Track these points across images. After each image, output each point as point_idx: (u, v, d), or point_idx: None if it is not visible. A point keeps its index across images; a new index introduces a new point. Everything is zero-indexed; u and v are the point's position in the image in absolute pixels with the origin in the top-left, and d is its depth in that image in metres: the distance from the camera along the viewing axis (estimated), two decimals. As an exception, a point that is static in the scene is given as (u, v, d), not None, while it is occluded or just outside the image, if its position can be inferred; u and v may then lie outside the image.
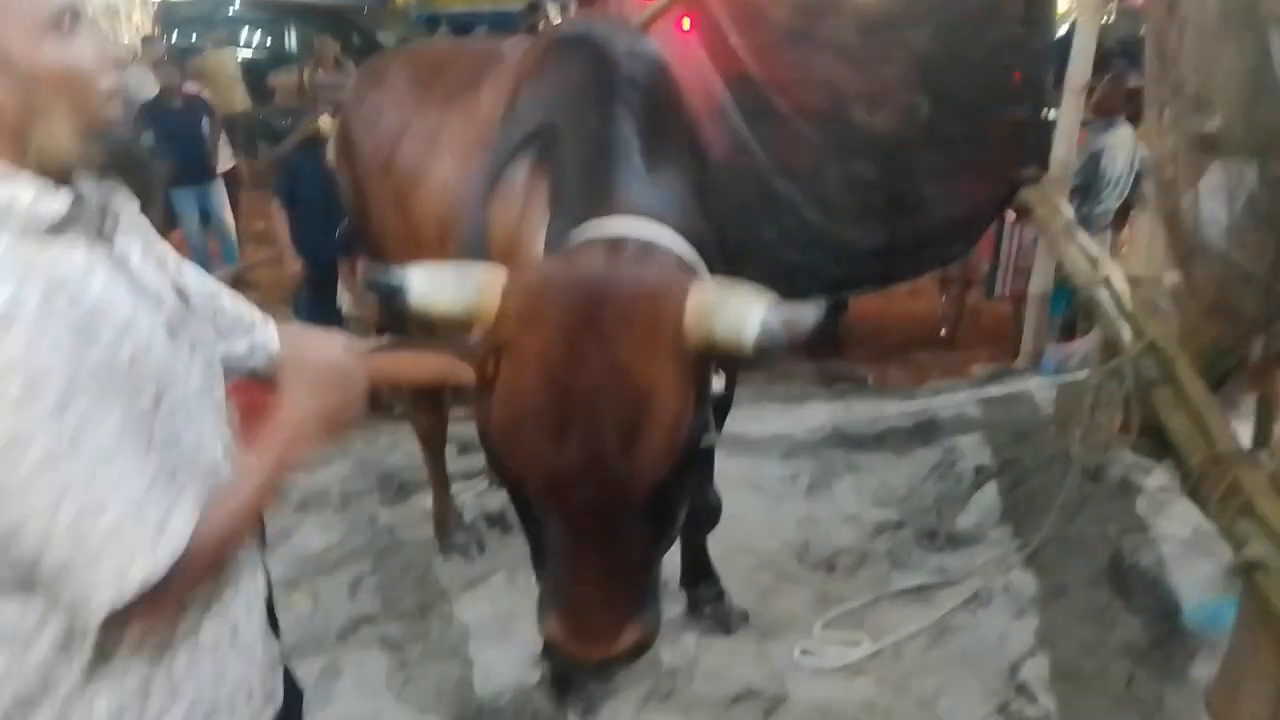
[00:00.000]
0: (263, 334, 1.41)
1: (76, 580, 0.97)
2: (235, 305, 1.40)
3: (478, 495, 3.65)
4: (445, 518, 3.39)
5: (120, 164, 1.08)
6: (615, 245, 1.43)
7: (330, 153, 4.52)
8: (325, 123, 5.24)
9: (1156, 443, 2.97)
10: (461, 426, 3.46)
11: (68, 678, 1.07)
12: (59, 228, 1.01)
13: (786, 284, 1.61)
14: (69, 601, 1.00)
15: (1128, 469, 2.95)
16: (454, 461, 3.56)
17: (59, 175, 1.03)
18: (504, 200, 1.62)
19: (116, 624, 1.02)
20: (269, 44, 11.26)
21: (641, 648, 1.38)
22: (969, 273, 5.66)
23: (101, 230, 1.09)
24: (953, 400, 3.87)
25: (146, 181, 1.14)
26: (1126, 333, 2.66)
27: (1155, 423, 2.71)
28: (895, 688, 2.45)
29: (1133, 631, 2.28)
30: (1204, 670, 2.10)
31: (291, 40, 11.06)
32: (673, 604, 2.65)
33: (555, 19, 9.49)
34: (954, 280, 5.75)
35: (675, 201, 1.63)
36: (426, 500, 3.49)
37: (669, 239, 1.48)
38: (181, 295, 1.21)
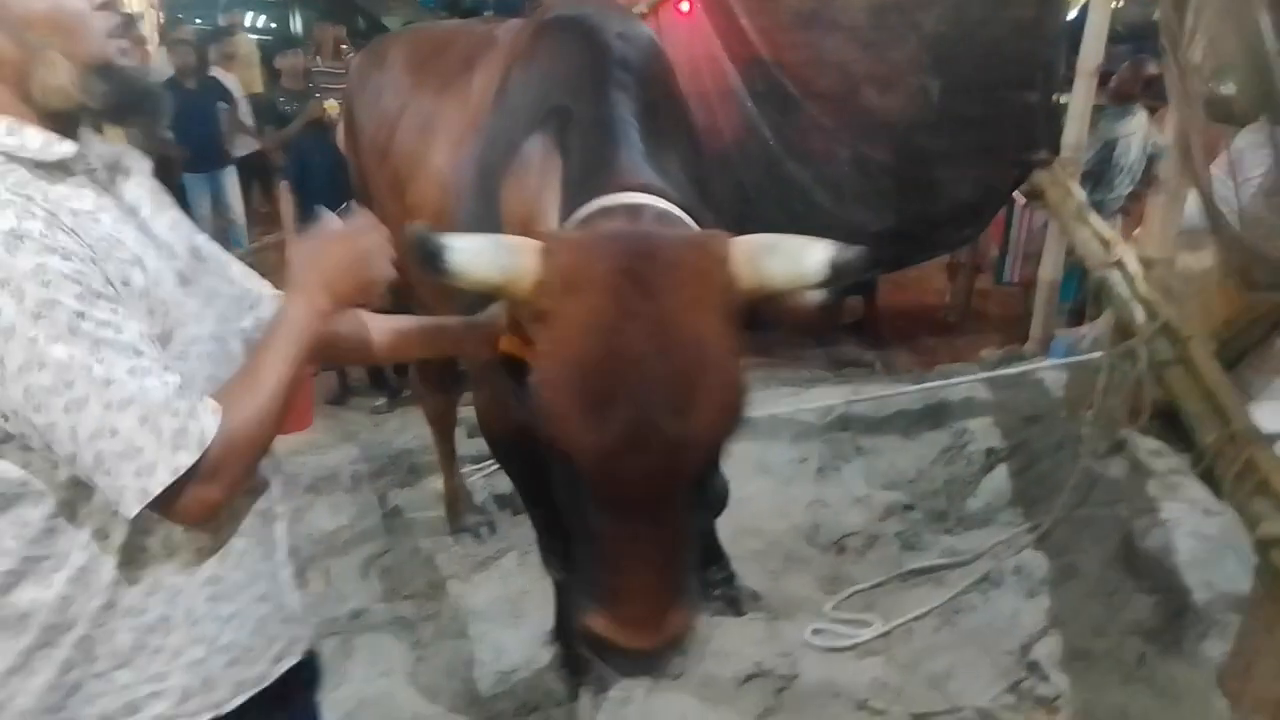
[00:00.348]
0: (269, 308, 1.40)
1: (109, 476, 1.00)
2: (245, 278, 1.40)
3: (487, 477, 3.66)
4: (455, 499, 3.41)
5: (124, 99, 1.08)
6: (634, 211, 1.38)
7: (339, 136, 4.53)
8: (331, 106, 5.24)
9: (1167, 425, 2.98)
10: (470, 409, 3.47)
11: (89, 607, 1.09)
12: (67, 167, 1.05)
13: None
14: (105, 499, 1.03)
15: (1139, 451, 2.95)
16: (463, 444, 3.57)
17: (65, 122, 1.06)
18: (519, 180, 1.60)
19: (157, 528, 1.06)
20: (274, 27, 11.24)
21: (688, 633, 1.31)
22: (978, 257, 5.65)
23: (111, 181, 1.12)
24: (962, 384, 3.87)
25: (156, 119, 1.16)
26: (1139, 315, 2.65)
27: (1167, 405, 2.71)
28: (906, 668, 2.45)
29: (1144, 611, 2.28)
30: (1216, 649, 2.10)
31: (297, 23, 11.04)
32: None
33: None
34: (963, 265, 5.74)
35: (674, 181, 1.60)
36: (437, 482, 3.50)
37: (677, 211, 1.46)
38: (195, 253, 1.24)
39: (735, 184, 4.31)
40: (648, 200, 1.41)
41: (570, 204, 1.48)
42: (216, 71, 6.66)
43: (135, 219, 1.13)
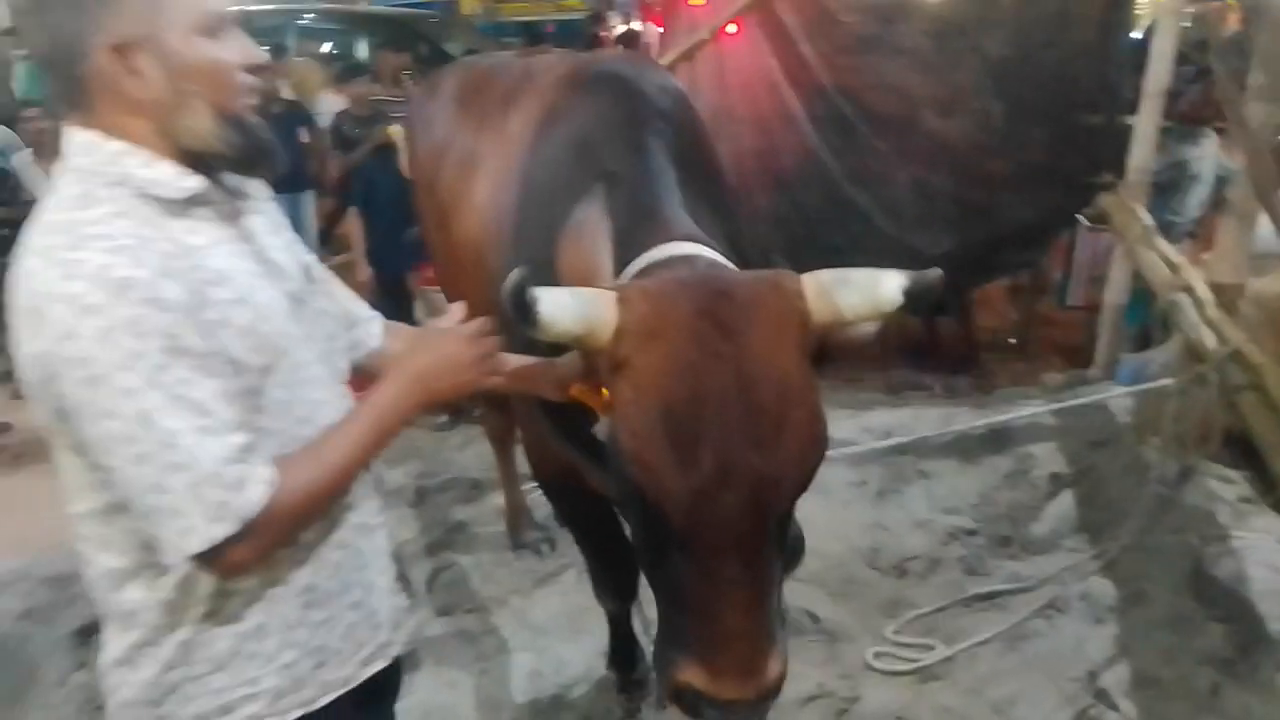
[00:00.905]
0: (365, 330, 1.48)
1: (156, 526, 1.07)
2: (346, 298, 1.47)
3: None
4: (517, 516, 3.46)
5: (251, 152, 1.17)
6: (688, 261, 1.40)
7: (402, 161, 4.66)
8: (395, 131, 5.38)
9: (1238, 452, 2.92)
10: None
11: (192, 614, 1.17)
12: (193, 202, 1.12)
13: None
14: (154, 542, 1.10)
15: (1208, 479, 2.90)
16: (524, 462, 3.62)
17: (198, 161, 1.14)
18: (576, 243, 1.60)
19: (206, 569, 1.11)
20: (340, 54, 11.53)
21: (782, 679, 1.28)
22: (1040, 280, 5.57)
23: (233, 209, 1.19)
24: (1025, 408, 3.83)
25: (273, 171, 1.23)
26: (1210, 340, 2.62)
27: (1238, 432, 2.67)
28: (969, 693, 2.44)
29: (1216, 640, 2.25)
30: (1293, 681, 2.06)
31: (363, 50, 11.32)
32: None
33: (618, 28, 9.62)
34: (1025, 288, 5.67)
35: (709, 229, 1.61)
36: (498, 499, 3.56)
37: (721, 259, 1.47)
38: (307, 274, 1.31)
39: (793, 206, 4.34)
40: (696, 250, 1.43)
41: (620, 258, 1.52)
42: (329, 97, 6.83)
43: (252, 245, 1.20)
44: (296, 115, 6.52)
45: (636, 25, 9.32)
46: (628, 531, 2.32)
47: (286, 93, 6.75)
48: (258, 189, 1.29)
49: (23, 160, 5.13)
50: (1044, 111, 4.12)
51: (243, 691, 1.21)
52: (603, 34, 9.17)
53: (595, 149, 1.78)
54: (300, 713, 1.25)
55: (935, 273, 1.25)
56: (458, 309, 1.40)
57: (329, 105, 6.87)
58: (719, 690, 1.22)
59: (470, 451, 4.14)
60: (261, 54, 1.16)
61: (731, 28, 4.35)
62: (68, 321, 0.99)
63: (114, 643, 1.22)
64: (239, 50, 1.13)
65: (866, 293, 1.24)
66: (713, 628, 1.22)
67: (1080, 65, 4.08)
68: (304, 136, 6.45)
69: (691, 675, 1.23)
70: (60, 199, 1.09)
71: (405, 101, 6.07)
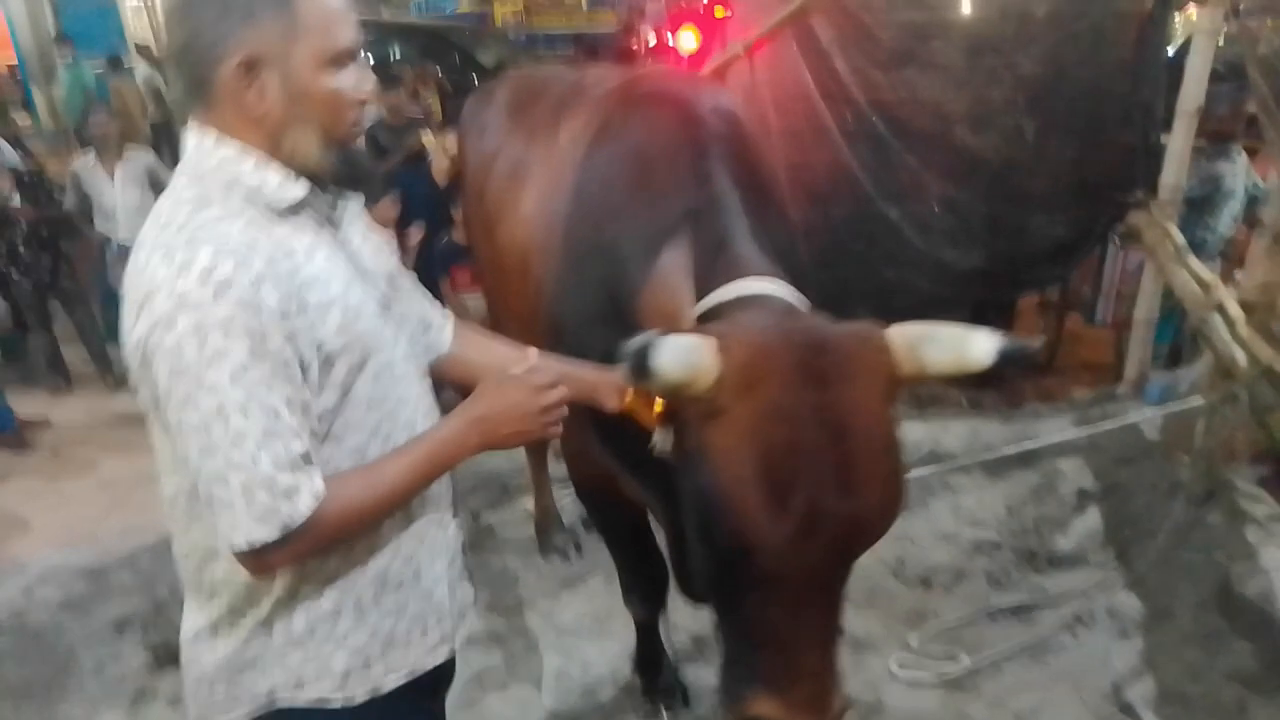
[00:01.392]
0: (439, 335, 1.53)
1: (212, 512, 1.13)
2: (422, 303, 1.52)
3: (576, 500, 3.75)
4: (546, 520, 3.51)
5: (349, 178, 1.24)
6: (764, 302, 1.44)
7: (433, 168, 4.73)
8: (428, 139, 5.46)
9: (1267, 470, 2.92)
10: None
11: (272, 593, 1.23)
12: (295, 209, 1.19)
13: (884, 301, 1.63)
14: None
15: (1237, 497, 2.90)
16: (554, 466, 3.67)
17: (300, 174, 1.20)
18: (662, 288, 1.57)
19: (243, 564, 1.16)
20: (375, 64, 11.69)
21: (848, 708, 1.32)
22: (1069, 297, 5.56)
23: (331, 217, 1.26)
24: (1053, 424, 3.83)
25: (369, 193, 1.32)
26: (1241, 358, 2.62)
27: (1267, 450, 2.67)
28: (993, 704, 2.45)
29: (1243, 657, 2.25)
30: (1321, 699, 2.06)
31: (397, 59, 11.46)
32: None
33: (650, 40, 9.68)
34: (1053, 304, 5.66)
35: (775, 253, 1.64)
36: (527, 502, 3.61)
37: (790, 294, 1.51)
38: (392, 281, 1.38)
39: (825, 219, 4.37)
40: (770, 287, 1.48)
41: (696, 290, 1.54)
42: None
43: (347, 250, 1.27)
44: None
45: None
46: (661, 543, 2.37)
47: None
48: (354, 198, 1.35)
49: (86, 165, 5.27)
50: (1077, 129, 4.12)
51: (315, 669, 1.27)
52: (634, 46, 9.23)
53: (655, 174, 1.79)
54: (367, 695, 1.31)
55: (1035, 344, 1.30)
56: (533, 354, 1.41)
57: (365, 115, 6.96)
58: (798, 718, 1.26)
59: (501, 455, 4.17)
60: (372, 86, 1.22)
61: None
62: (169, 312, 1.06)
63: (195, 617, 1.29)
64: (355, 82, 1.19)
65: (954, 351, 1.27)
66: (788, 661, 1.26)
67: (1114, 83, 4.07)
68: None
69: (766, 707, 1.27)
70: (178, 200, 1.16)
71: (421, 114, 6.15)
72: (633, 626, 2.66)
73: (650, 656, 2.67)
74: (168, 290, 1.06)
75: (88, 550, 3.60)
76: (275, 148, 1.17)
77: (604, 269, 1.79)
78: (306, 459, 1.13)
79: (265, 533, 1.10)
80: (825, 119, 4.24)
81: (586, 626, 3.03)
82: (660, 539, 2.40)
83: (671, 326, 1.36)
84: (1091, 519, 3.15)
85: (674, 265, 1.61)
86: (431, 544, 1.36)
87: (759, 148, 2.00)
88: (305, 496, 1.12)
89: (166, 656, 2.99)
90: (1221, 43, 7.13)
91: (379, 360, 1.24)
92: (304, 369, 1.14)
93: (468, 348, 1.55)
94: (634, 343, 1.22)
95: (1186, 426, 3.06)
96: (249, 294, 1.07)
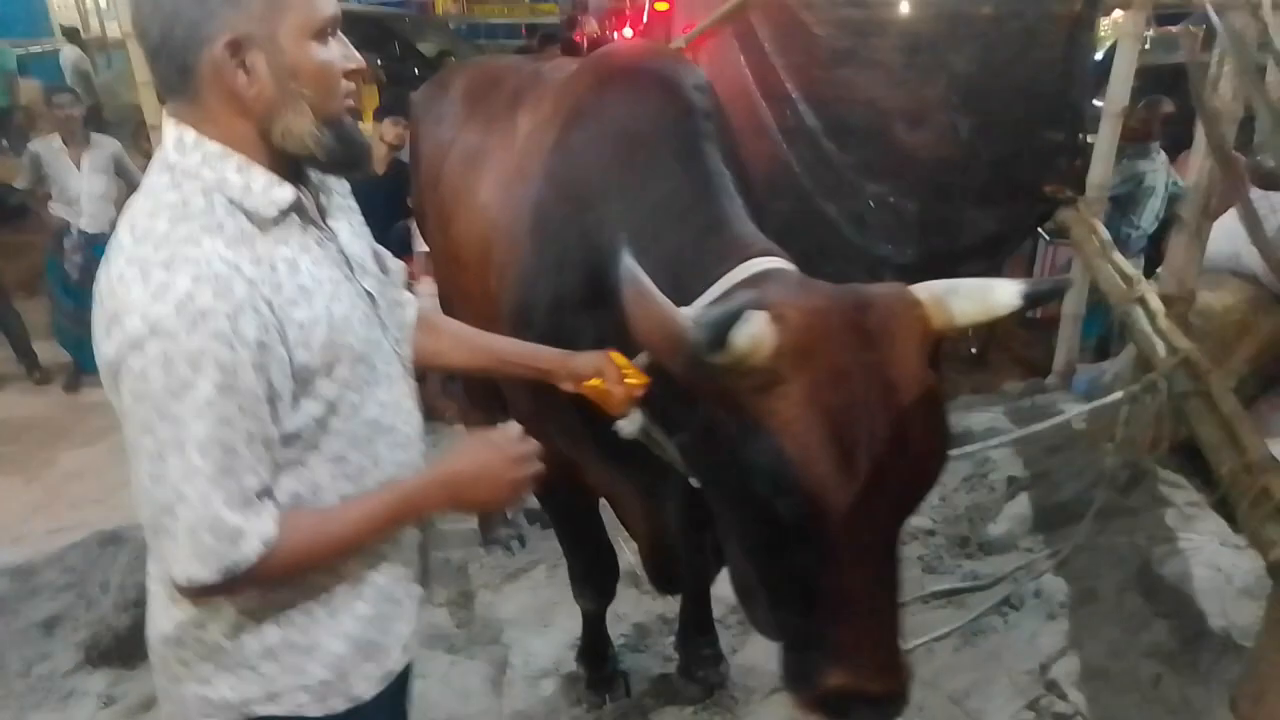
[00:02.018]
0: (409, 313, 1.49)
1: (157, 541, 1.12)
2: (398, 280, 1.49)
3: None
4: (488, 514, 3.50)
5: (345, 155, 1.19)
6: (777, 276, 1.45)
7: (377, 156, 4.67)
8: (367, 128, 5.39)
9: (1186, 459, 3.05)
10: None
11: (241, 599, 1.20)
12: (281, 215, 1.15)
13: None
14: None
15: (1158, 483, 3.03)
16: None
17: (293, 164, 1.17)
18: (639, 303, 1.41)
19: (179, 591, 1.14)
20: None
21: (911, 676, 1.32)
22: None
23: (318, 212, 1.23)
24: (984, 415, 3.94)
25: (364, 173, 1.26)
26: (1161, 349, 2.73)
27: (1185, 438, 2.79)
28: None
29: (1160, 635, 2.35)
30: (1230, 673, 2.16)
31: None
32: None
33: (592, 31, 9.68)
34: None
35: (761, 228, 1.66)
36: (470, 494, 3.59)
37: (795, 269, 1.53)
38: (379, 263, 1.35)
39: (763, 214, 4.41)
40: (778, 264, 1.50)
41: (696, 273, 1.52)
42: None
43: (335, 244, 1.24)
44: None
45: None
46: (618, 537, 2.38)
47: None
48: (339, 185, 1.31)
49: (50, 147, 5.09)
50: (1009, 127, 4.23)
51: (289, 681, 1.24)
52: (576, 38, 9.22)
53: (643, 153, 1.76)
54: (347, 706, 1.29)
55: (1053, 281, 1.34)
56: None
57: None
58: (877, 686, 1.25)
59: (441, 449, 4.16)
60: (359, 59, 1.18)
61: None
62: (140, 335, 1.03)
63: (163, 618, 1.25)
64: (342, 54, 1.16)
65: (979, 299, 1.32)
66: (858, 631, 1.25)
67: (1045, 83, 4.20)
68: None
69: (843, 678, 1.24)
70: (158, 202, 1.11)
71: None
72: (577, 618, 2.68)
73: (596, 648, 2.69)
74: (141, 313, 1.03)
75: (14, 549, 3.51)
76: (266, 134, 1.13)
77: (585, 252, 1.76)
78: (262, 495, 1.11)
79: (205, 574, 1.08)
80: (765, 115, 4.29)
81: (530, 619, 3.04)
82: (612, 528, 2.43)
83: (666, 330, 1.32)
84: (1021, 506, 3.25)
85: (675, 247, 1.60)
86: (399, 546, 1.34)
87: (730, 126, 2.02)
88: (252, 540, 1.09)
89: (98, 656, 2.93)
90: (1147, 46, 7.39)
91: (363, 369, 1.22)
92: (274, 400, 1.11)
93: (427, 337, 1.54)
94: (706, 318, 1.22)
95: (1110, 416, 3.18)
96: (225, 326, 1.04)
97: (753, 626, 1.53)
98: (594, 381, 1.57)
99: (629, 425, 1.60)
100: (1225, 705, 2.09)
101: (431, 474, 1.28)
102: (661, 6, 5.07)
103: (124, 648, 2.91)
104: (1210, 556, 2.57)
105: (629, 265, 1.36)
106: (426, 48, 10.81)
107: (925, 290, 1.31)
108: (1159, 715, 2.14)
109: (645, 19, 7.06)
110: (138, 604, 2.90)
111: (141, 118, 4.64)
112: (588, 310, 1.74)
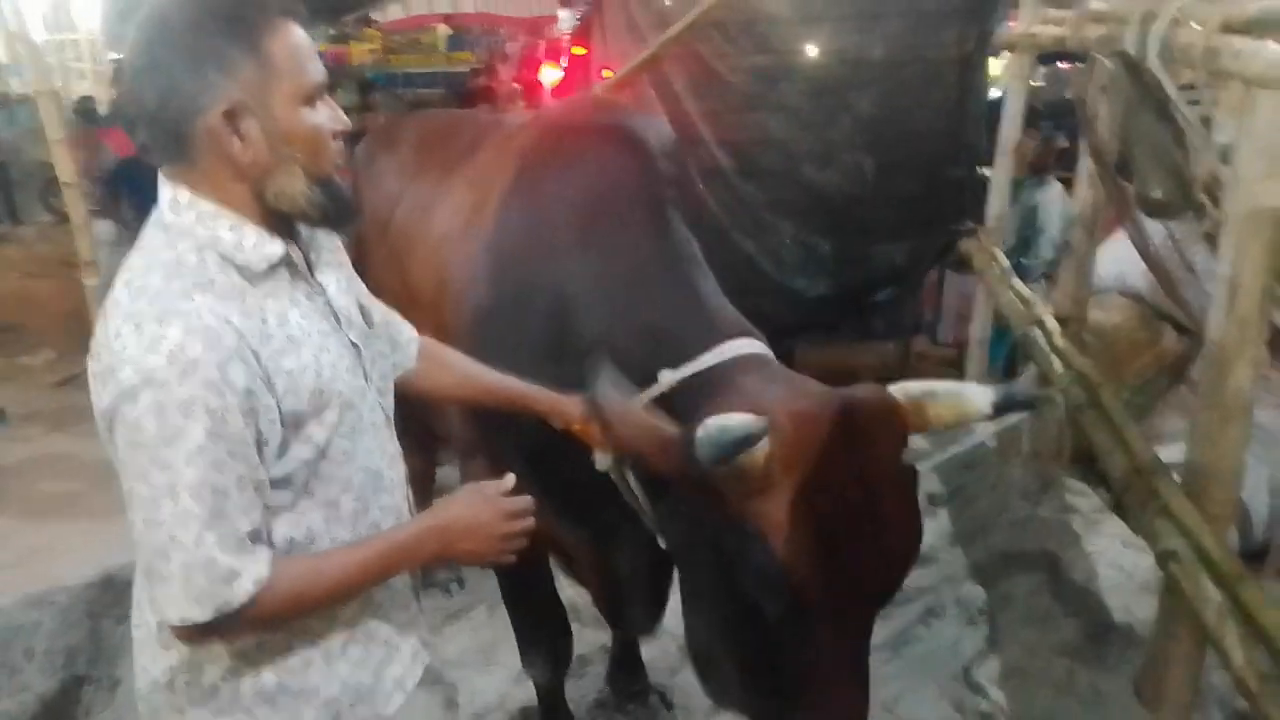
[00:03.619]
0: (405, 354, 1.56)
1: (148, 580, 1.16)
2: (391, 322, 1.55)
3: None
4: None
5: (335, 212, 1.24)
6: (757, 363, 1.52)
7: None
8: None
9: (1090, 470, 3.25)
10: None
11: (236, 646, 1.23)
12: (271, 269, 1.20)
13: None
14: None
15: (1065, 493, 3.22)
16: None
17: (280, 222, 1.22)
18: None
19: (174, 634, 1.17)
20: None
21: None
22: (914, 320, 5.96)
23: (307, 267, 1.28)
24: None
25: (352, 226, 1.33)
26: (1057, 366, 2.92)
27: (1085, 448, 2.98)
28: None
29: (1070, 633, 2.51)
30: (1134, 662, 2.32)
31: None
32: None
33: (507, 78, 9.85)
34: (900, 326, 6.05)
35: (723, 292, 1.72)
36: (407, 538, 3.59)
37: (768, 351, 1.59)
38: (365, 315, 1.40)
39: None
40: (753, 348, 1.56)
41: (671, 349, 1.55)
42: None
43: (324, 297, 1.29)
44: None
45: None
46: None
47: None
48: (329, 240, 1.36)
49: None
50: (910, 165, 4.47)
51: None
52: (494, 85, 9.38)
53: (609, 220, 1.77)
54: None
55: (1025, 389, 1.48)
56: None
57: None
58: None
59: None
60: (346, 120, 1.23)
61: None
62: (134, 386, 1.07)
63: (153, 665, 1.26)
64: (330, 117, 1.21)
65: (955, 405, 1.40)
66: (839, 693, 1.36)
67: (941, 122, 4.46)
68: None
69: None
70: (152, 259, 1.16)
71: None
72: (516, 656, 2.57)
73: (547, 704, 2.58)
74: (135, 365, 1.07)
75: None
76: (260, 194, 1.18)
77: (547, 310, 1.79)
78: (255, 538, 1.14)
79: (199, 614, 1.11)
80: (682, 158, 4.43)
81: (472, 658, 3.06)
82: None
83: (654, 434, 1.39)
84: (940, 520, 3.41)
85: (647, 323, 1.63)
86: (394, 592, 1.37)
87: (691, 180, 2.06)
88: (245, 582, 1.12)
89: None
90: (1039, 83, 7.79)
91: (352, 415, 1.26)
92: (263, 446, 1.15)
93: (433, 367, 1.59)
94: (716, 434, 1.25)
95: (1018, 432, 3.37)
96: (215, 375, 1.08)
97: (709, 697, 1.61)
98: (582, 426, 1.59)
99: (603, 459, 1.63)
100: (1130, 693, 2.26)
101: (425, 522, 1.31)
102: (579, 51, 5.22)
103: (51, 714, 2.85)
104: (1113, 557, 2.76)
105: (605, 385, 1.42)
106: (343, 97, 10.81)
107: (903, 393, 1.38)
108: (1072, 706, 2.29)
109: (564, 64, 7.24)
110: (65, 667, 2.86)
111: (52, 174, 4.58)
112: (551, 363, 1.73)
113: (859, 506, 1.29)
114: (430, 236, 2.28)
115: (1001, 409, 1.41)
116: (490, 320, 1.93)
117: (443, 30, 12.65)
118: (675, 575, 2.02)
